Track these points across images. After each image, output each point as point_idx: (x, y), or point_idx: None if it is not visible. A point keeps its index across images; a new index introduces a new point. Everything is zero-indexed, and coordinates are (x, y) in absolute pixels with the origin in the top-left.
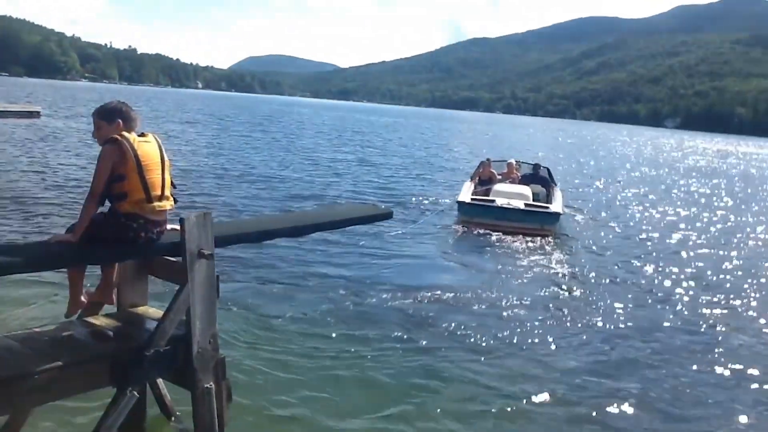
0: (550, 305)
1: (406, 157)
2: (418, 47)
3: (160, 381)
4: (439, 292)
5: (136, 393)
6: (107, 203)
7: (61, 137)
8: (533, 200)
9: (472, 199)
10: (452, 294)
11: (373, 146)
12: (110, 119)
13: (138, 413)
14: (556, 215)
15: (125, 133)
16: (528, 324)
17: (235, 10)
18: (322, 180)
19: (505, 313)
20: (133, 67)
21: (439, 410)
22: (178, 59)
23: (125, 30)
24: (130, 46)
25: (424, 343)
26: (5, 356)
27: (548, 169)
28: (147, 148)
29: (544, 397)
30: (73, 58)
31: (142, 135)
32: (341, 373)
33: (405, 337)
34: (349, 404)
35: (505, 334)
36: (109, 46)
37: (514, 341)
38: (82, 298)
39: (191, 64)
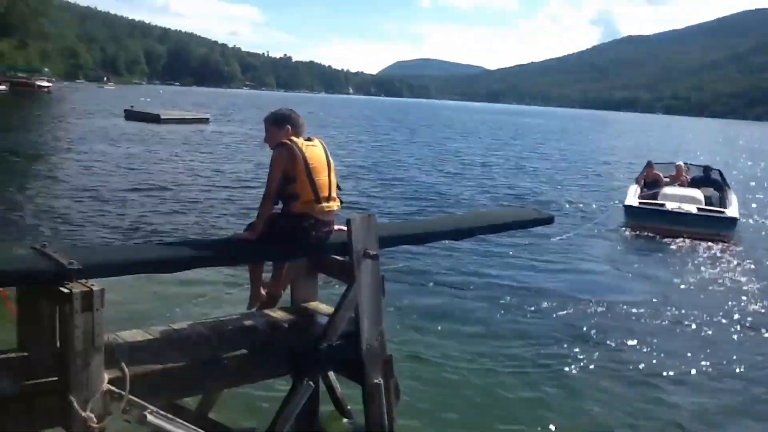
0: (742, 324)
1: (560, 161)
2: (568, 47)
3: (331, 375)
4: (607, 303)
5: (311, 384)
6: (281, 204)
7: (228, 142)
8: (705, 204)
9: (640, 203)
10: (623, 306)
11: (526, 149)
12: (281, 125)
13: (312, 404)
14: (733, 220)
15: (294, 138)
16: (719, 346)
17: (382, 16)
18: (476, 183)
19: (689, 331)
20: (288, 74)
21: None
22: (330, 66)
23: (280, 40)
24: (285, 55)
25: (592, 360)
26: (198, 342)
27: (720, 172)
28: (314, 151)
29: None
30: (235, 68)
31: (308, 139)
32: (500, 384)
33: (571, 351)
34: (508, 415)
35: (692, 357)
36: (266, 56)
37: (704, 367)
38: (262, 292)
39: (342, 70)
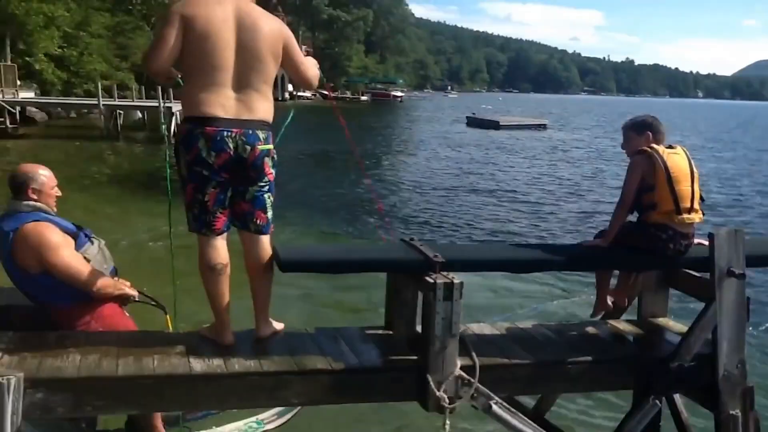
0: None
1: None
2: None
3: (676, 397)
4: None
5: (658, 403)
6: (635, 213)
7: (566, 149)
8: None
9: None
10: None
11: None
12: (640, 131)
13: (654, 426)
14: None
15: (654, 145)
16: None
17: (740, 12)
18: None
19: None
20: (630, 78)
21: None
22: (676, 68)
23: (622, 42)
24: (627, 58)
25: None
26: (543, 343)
27: None
28: (676, 159)
29: None
30: (573, 73)
31: (670, 147)
32: None
33: None
34: None
35: None
36: (606, 60)
37: None
38: (608, 302)
39: (690, 72)
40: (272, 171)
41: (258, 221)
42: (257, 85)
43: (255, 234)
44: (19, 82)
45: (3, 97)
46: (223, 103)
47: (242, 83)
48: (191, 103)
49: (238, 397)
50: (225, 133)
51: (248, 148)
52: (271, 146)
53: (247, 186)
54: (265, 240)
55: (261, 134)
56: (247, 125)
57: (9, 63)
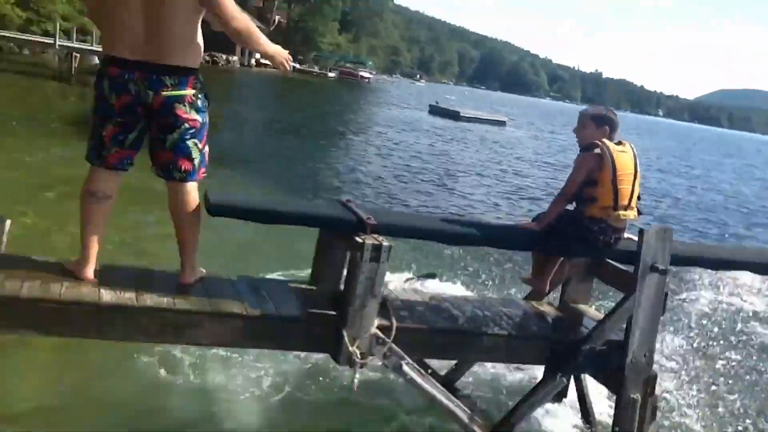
0: None
1: None
2: None
3: (586, 379)
4: None
5: (564, 380)
6: (574, 203)
7: (519, 145)
8: None
9: None
10: None
11: None
12: (600, 124)
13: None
14: None
15: (606, 141)
16: None
17: (710, 40)
18: None
19: None
20: (595, 90)
21: None
22: (642, 86)
23: (593, 54)
24: (596, 70)
25: None
26: (465, 314)
27: None
28: (624, 158)
29: None
30: (542, 78)
31: (619, 143)
32: None
33: None
34: None
35: None
36: (576, 69)
37: None
38: (544, 284)
39: (655, 92)
40: (195, 117)
41: (183, 168)
42: (172, 25)
43: (179, 182)
44: None
45: None
46: (129, 44)
47: (153, 22)
48: (103, 41)
49: (145, 332)
50: (126, 76)
51: (150, 93)
52: (184, 92)
53: (165, 134)
54: (191, 187)
55: (168, 80)
56: (152, 69)
57: None
